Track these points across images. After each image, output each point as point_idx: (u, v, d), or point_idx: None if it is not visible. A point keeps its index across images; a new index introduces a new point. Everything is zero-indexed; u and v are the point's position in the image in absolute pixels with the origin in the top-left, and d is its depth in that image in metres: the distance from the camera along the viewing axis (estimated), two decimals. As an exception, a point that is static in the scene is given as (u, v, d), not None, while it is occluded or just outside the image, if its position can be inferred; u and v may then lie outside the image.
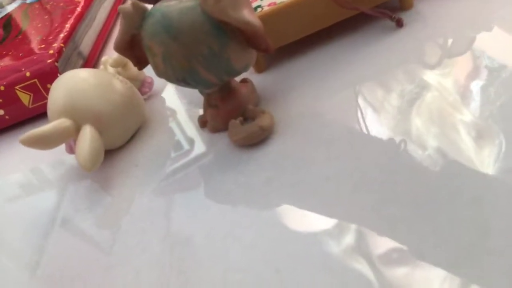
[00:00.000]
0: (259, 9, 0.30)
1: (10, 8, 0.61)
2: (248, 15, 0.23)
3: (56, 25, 0.44)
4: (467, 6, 0.30)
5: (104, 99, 0.29)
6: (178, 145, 0.30)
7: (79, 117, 0.29)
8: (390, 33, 0.30)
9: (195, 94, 0.34)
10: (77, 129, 0.29)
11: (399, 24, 0.30)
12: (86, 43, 0.45)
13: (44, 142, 0.28)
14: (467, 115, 0.22)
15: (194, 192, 0.25)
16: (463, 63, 0.26)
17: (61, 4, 0.50)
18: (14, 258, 0.26)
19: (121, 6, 0.25)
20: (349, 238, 0.19)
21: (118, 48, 0.27)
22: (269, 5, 0.30)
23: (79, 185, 0.30)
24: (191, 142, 0.29)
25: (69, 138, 0.29)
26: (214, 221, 0.23)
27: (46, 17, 0.48)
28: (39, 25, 0.47)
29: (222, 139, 0.28)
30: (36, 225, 0.28)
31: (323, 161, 0.23)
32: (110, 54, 0.47)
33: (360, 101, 0.26)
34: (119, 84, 0.31)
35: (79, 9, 0.47)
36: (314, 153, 0.24)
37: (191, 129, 0.31)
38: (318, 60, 0.31)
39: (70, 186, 0.30)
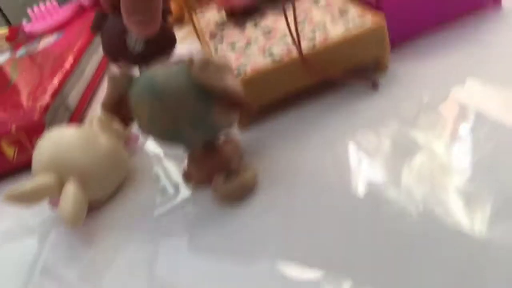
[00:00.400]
0: (242, 72, 0.32)
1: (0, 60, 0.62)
2: (231, 85, 0.24)
3: (45, 79, 0.45)
4: (441, 64, 0.32)
5: (89, 155, 0.30)
6: (161, 199, 0.30)
7: (63, 172, 0.29)
8: (368, 93, 0.32)
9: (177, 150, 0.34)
10: (61, 185, 0.29)
11: (375, 86, 0.32)
12: (73, 96, 0.46)
13: (26, 199, 0.28)
14: (455, 177, 0.23)
15: (178, 245, 0.25)
16: (442, 121, 0.27)
17: (51, 58, 0.52)
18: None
19: (109, 73, 0.26)
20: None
21: (105, 108, 0.27)
22: (252, 69, 0.32)
23: (62, 233, 0.30)
24: (175, 196, 0.30)
25: (51, 195, 0.29)
26: (198, 275, 0.23)
27: (36, 70, 0.49)
28: (28, 78, 0.48)
29: (207, 193, 0.29)
30: (16, 273, 0.28)
31: (306, 216, 0.24)
32: (98, 106, 0.48)
33: (340, 158, 0.27)
34: (104, 141, 0.31)
35: (68, 64, 0.48)
36: (297, 207, 0.25)
37: (175, 183, 0.31)
38: (300, 117, 0.33)
39: (52, 234, 0.30)
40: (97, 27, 0.44)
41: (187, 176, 0.30)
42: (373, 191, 0.24)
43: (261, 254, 0.23)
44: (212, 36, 0.40)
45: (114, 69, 0.27)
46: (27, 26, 0.70)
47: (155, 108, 0.25)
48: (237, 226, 0.25)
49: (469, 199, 0.22)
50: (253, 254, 0.23)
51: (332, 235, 0.22)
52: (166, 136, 0.26)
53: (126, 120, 0.29)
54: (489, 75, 0.29)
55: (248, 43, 0.36)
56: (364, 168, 0.26)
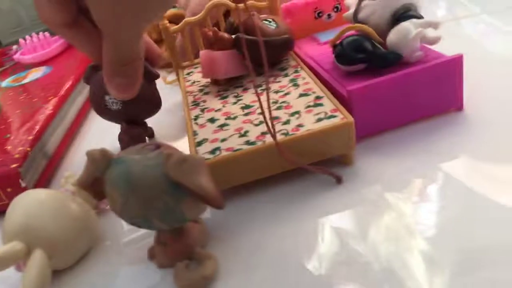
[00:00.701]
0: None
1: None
2: (205, 183, 0.26)
3: (27, 121, 0.46)
4: (405, 161, 0.35)
5: (58, 224, 0.31)
6: (127, 270, 0.31)
7: (31, 240, 0.30)
8: (333, 185, 0.34)
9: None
10: (28, 253, 0.30)
11: (339, 181, 0.34)
12: (53, 142, 0.47)
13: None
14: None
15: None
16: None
17: (35, 99, 0.53)
18: None
19: (88, 151, 0.28)
20: None
21: (81, 186, 0.29)
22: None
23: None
24: (139, 270, 0.31)
25: (19, 261, 0.29)
26: None
27: (18, 111, 0.50)
28: (9, 120, 0.48)
29: (166, 277, 0.30)
30: None
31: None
32: (76, 153, 0.49)
33: (305, 237, 0.29)
34: (75, 207, 0.32)
35: (51, 109, 0.49)
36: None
37: (142, 257, 0.32)
38: (266, 201, 0.34)
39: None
40: (86, 79, 0.45)
41: (151, 255, 0.31)
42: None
43: None
44: (195, 102, 0.42)
45: (94, 150, 0.28)
46: (16, 55, 0.70)
47: (128, 197, 0.26)
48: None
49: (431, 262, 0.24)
50: None
51: None
52: (135, 222, 0.27)
53: (99, 195, 0.30)
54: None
55: (228, 117, 0.38)
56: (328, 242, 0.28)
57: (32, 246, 0.30)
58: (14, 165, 0.39)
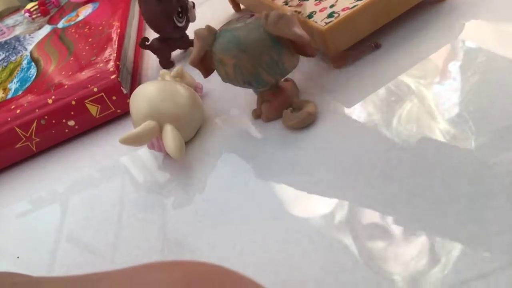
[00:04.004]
0: (335, 15, 0.36)
1: (43, 32, 0.68)
2: (299, 31, 0.31)
3: (105, 46, 0.52)
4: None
5: (176, 103, 0.37)
6: (240, 136, 0.38)
7: (159, 118, 0.36)
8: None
9: (238, 96, 0.41)
10: (160, 129, 0.36)
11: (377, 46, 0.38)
12: (129, 59, 0.53)
13: (138, 140, 0.35)
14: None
15: (266, 162, 0.33)
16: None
17: (100, 27, 0.58)
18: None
19: (196, 30, 0.33)
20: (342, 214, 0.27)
21: (193, 63, 0.34)
22: (343, 9, 0.36)
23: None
24: (246, 132, 0.37)
25: (155, 136, 0.36)
26: (283, 182, 0.31)
27: (90, 39, 0.56)
28: (87, 47, 0.54)
29: (274, 127, 0.36)
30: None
31: (351, 151, 0.32)
32: (148, 66, 0.55)
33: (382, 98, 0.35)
34: (183, 90, 0.39)
35: (119, 29, 0.54)
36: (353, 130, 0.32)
37: (244, 122, 0.38)
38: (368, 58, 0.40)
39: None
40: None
41: (257, 115, 0.37)
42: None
43: (323, 173, 0.31)
44: None
45: (200, 28, 0.33)
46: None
47: (240, 58, 0.31)
48: (303, 149, 0.33)
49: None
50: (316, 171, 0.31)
51: (372, 167, 0.30)
52: (248, 80, 0.33)
53: (208, 70, 0.36)
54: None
55: None
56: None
57: (161, 122, 0.36)
58: (113, 76, 0.45)
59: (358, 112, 0.33)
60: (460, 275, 0.22)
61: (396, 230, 0.25)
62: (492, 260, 0.22)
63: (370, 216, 0.26)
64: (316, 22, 0.36)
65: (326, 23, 0.36)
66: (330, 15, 0.36)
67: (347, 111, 0.34)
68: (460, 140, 0.28)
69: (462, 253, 0.22)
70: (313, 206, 0.28)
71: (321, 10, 0.38)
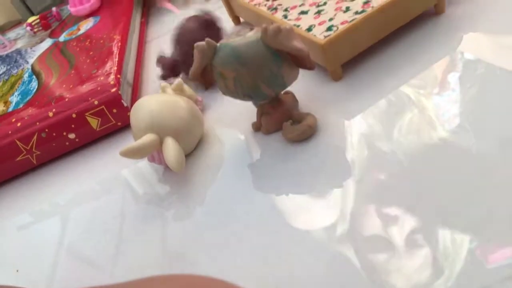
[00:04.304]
0: (333, 28, 0.37)
1: (45, 46, 0.69)
2: (298, 44, 0.31)
3: (106, 59, 0.52)
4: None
5: (177, 116, 0.37)
6: (240, 149, 0.38)
7: (160, 131, 0.36)
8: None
9: (238, 109, 0.41)
10: (160, 142, 0.36)
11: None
12: (130, 72, 0.53)
13: (139, 153, 0.35)
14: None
15: (269, 175, 0.33)
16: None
17: (101, 41, 0.58)
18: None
19: (196, 44, 0.33)
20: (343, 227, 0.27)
21: (194, 77, 0.35)
22: (341, 23, 0.37)
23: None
24: (246, 144, 0.38)
25: (156, 148, 0.36)
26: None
27: (91, 53, 0.56)
28: (88, 60, 0.54)
29: (274, 139, 0.36)
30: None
31: (353, 165, 0.32)
32: (149, 78, 0.55)
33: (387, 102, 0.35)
34: (183, 103, 0.39)
35: (120, 43, 0.55)
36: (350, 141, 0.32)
37: (244, 135, 0.39)
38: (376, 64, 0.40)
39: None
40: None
41: (256, 128, 0.37)
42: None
43: (323, 180, 0.31)
44: (271, 8, 0.45)
45: (200, 42, 0.33)
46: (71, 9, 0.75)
47: (240, 71, 0.32)
48: (301, 161, 0.33)
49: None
50: (316, 181, 0.31)
51: (371, 176, 0.30)
52: (248, 92, 0.33)
53: (208, 84, 0.36)
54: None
55: (318, 4, 0.40)
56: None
57: (162, 135, 0.36)
58: (114, 89, 0.46)
59: (358, 123, 0.34)
60: (463, 287, 0.22)
61: (399, 242, 0.25)
62: (494, 272, 0.21)
63: (372, 228, 0.26)
64: (315, 35, 0.37)
65: (325, 36, 0.36)
66: (329, 28, 0.37)
67: (347, 123, 0.34)
68: (460, 150, 0.28)
69: (465, 265, 0.22)
70: (314, 219, 0.28)
71: (320, 24, 0.38)
